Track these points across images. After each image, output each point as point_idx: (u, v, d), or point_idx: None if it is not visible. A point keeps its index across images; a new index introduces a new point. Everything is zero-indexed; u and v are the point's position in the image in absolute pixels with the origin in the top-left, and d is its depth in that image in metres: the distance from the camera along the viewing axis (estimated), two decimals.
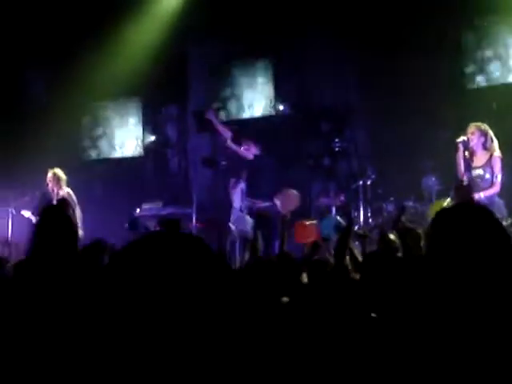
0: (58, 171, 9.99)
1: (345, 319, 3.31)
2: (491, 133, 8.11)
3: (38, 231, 3.73)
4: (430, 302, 2.16)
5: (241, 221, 9.75)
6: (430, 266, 2.19)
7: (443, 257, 2.18)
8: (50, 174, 9.99)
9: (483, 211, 2.27)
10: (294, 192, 9.67)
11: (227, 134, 10.28)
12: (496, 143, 8.08)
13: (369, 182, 10.17)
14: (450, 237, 2.20)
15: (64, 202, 9.00)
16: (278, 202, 9.40)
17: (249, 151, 10.19)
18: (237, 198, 10.77)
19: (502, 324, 2.06)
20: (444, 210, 2.38)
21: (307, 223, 9.87)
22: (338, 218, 9.58)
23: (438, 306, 2.13)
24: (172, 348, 1.44)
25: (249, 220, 9.75)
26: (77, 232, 3.81)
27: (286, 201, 9.43)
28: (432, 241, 2.27)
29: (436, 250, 2.23)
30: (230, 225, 9.68)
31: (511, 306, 2.08)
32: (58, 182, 9.93)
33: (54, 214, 3.87)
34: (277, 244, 8.71)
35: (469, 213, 2.26)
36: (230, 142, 10.29)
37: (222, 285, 1.53)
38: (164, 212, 11.18)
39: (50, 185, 9.98)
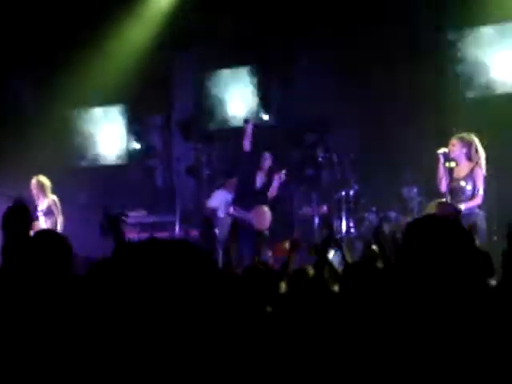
0: (43, 178, 9.95)
1: (323, 329, 3.34)
2: (477, 144, 8.01)
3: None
4: (401, 309, 2.22)
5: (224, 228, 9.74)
6: (401, 275, 2.27)
7: (413, 266, 2.26)
8: (34, 181, 9.94)
9: (450, 223, 2.35)
10: (266, 209, 9.57)
11: (247, 145, 10.15)
12: (482, 155, 7.99)
13: (351, 193, 10.24)
14: (419, 247, 2.28)
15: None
16: (253, 220, 9.37)
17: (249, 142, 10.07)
18: (220, 208, 10.81)
19: (468, 325, 2.13)
20: (414, 222, 2.47)
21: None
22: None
23: (407, 313, 2.18)
24: (162, 349, 1.45)
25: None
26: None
27: (259, 218, 9.42)
28: (403, 251, 2.37)
29: (406, 259, 2.31)
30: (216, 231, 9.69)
31: (475, 309, 2.16)
32: (42, 189, 9.88)
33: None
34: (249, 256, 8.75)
35: (437, 224, 2.34)
36: (250, 128, 10.07)
37: (213, 288, 1.55)
38: (148, 220, 11.21)
39: (34, 192, 9.94)
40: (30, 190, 9.98)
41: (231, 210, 9.77)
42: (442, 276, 2.19)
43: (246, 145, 10.02)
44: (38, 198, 9.93)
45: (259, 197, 9.71)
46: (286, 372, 3.01)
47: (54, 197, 9.91)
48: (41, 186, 9.88)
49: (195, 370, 1.46)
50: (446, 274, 2.19)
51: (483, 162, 7.99)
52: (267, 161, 9.93)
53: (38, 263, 3.60)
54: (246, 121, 10.19)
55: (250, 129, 10.08)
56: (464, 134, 8.17)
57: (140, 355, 1.45)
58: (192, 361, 1.46)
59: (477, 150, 8.00)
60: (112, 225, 4.86)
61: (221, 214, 10.73)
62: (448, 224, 2.33)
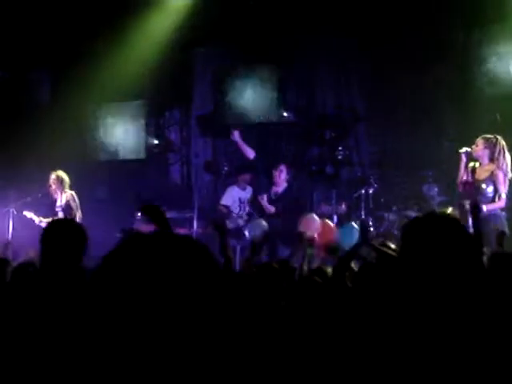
0: (61, 173, 9.97)
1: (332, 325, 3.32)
2: (502, 146, 7.86)
3: (47, 239, 3.79)
4: (401, 306, 2.24)
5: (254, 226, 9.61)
6: (401, 271, 2.29)
7: (413, 263, 2.27)
8: (53, 176, 9.97)
9: (451, 221, 2.36)
10: (314, 217, 9.38)
11: (251, 154, 10.22)
12: (509, 158, 7.83)
13: (371, 191, 10.15)
14: (419, 245, 2.29)
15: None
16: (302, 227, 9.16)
17: (250, 153, 10.15)
18: (234, 205, 10.78)
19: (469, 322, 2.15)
20: (414, 220, 2.48)
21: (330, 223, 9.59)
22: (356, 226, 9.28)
23: (406, 311, 2.20)
24: (166, 349, 1.43)
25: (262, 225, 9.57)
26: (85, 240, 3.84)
27: (309, 225, 9.25)
28: (403, 248, 2.38)
29: (406, 256, 2.32)
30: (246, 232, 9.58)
31: (476, 306, 2.19)
32: (61, 185, 9.90)
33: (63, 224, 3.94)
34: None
35: (437, 222, 2.35)
36: (237, 135, 10.21)
37: (219, 288, 1.51)
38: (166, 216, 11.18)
39: (52, 187, 9.95)
40: (49, 185, 10.01)
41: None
42: (441, 274, 2.21)
43: (248, 152, 10.01)
44: (56, 193, 9.95)
45: (276, 204, 9.69)
46: (296, 367, 3.00)
47: (73, 192, 9.93)
48: (60, 181, 9.91)
49: (200, 368, 1.44)
50: (444, 272, 2.21)
51: (508, 165, 7.82)
52: (283, 173, 9.85)
53: (53, 251, 3.73)
54: (231, 130, 10.20)
55: (237, 137, 10.08)
56: (490, 135, 8.02)
57: (146, 349, 1.43)
58: (200, 357, 1.45)
59: (500, 152, 7.84)
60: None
61: (235, 210, 10.71)
62: (451, 222, 2.33)
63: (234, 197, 10.84)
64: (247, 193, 10.75)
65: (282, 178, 9.89)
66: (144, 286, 1.44)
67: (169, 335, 1.42)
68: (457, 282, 2.20)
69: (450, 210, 8.19)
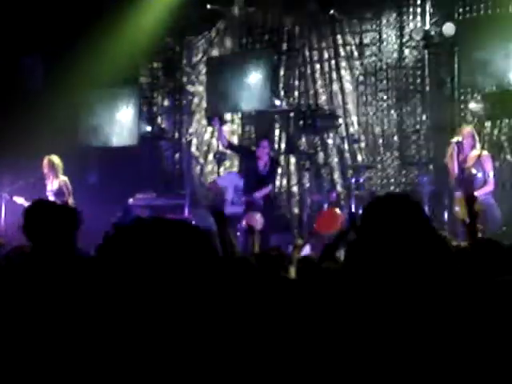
0: (55, 158, 9.89)
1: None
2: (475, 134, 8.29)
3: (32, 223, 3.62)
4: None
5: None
6: (359, 254, 2.26)
7: (371, 246, 2.22)
8: (45, 161, 9.89)
9: (409, 202, 2.32)
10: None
11: (224, 141, 10.24)
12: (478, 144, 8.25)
13: (361, 180, 10.20)
14: (377, 226, 2.25)
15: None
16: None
17: (224, 138, 10.19)
18: (228, 190, 10.83)
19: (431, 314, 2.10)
20: (374, 201, 2.43)
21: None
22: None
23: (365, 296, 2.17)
24: (168, 340, 1.44)
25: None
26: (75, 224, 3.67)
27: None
28: (361, 229, 2.35)
29: (364, 238, 2.29)
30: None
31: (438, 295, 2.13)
32: (54, 169, 9.83)
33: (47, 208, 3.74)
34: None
35: (395, 203, 2.31)
36: (216, 121, 10.25)
37: (216, 273, 1.52)
38: (157, 202, 11.21)
39: (45, 171, 9.89)
40: (41, 170, 9.97)
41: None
42: (401, 259, 2.16)
43: (223, 140, 10.07)
44: (49, 177, 9.89)
45: (262, 185, 9.72)
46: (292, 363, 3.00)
47: (65, 178, 9.87)
48: (52, 165, 9.83)
49: (199, 355, 1.46)
50: (404, 255, 2.17)
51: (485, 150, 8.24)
52: (266, 149, 9.87)
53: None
54: (211, 120, 10.27)
55: (216, 123, 10.11)
56: (470, 125, 8.65)
57: (147, 342, 1.44)
58: (199, 343, 1.46)
59: (478, 140, 8.25)
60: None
61: (228, 196, 10.75)
62: (401, 201, 2.31)
63: (232, 181, 10.89)
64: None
65: (265, 152, 9.87)
66: (143, 272, 1.45)
67: (168, 321, 1.44)
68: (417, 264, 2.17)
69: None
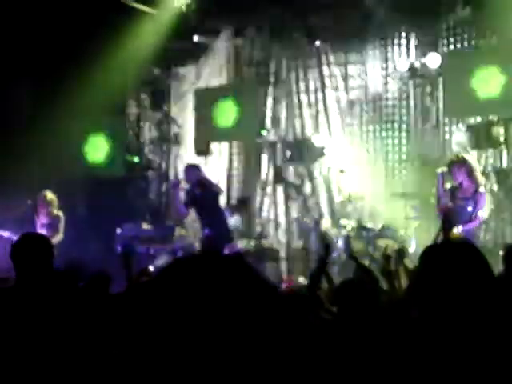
0: (49, 194, 9.88)
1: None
2: (471, 161, 8.04)
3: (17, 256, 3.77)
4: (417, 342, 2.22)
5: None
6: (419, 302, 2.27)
7: (431, 294, 2.25)
8: (41, 196, 9.82)
9: (470, 249, 2.33)
10: None
11: (183, 210, 9.61)
12: (482, 179, 8.02)
13: (348, 210, 10.26)
14: (438, 273, 2.26)
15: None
16: None
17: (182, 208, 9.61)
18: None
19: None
20: (432, 247, 2.46)
21: None
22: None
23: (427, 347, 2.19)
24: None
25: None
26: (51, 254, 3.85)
27: None
28: (420, 276, 2.36)
29: (423, 286, 2.30)
30: None
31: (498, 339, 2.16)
32: (51, 205, 9.82)
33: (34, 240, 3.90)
34: None
35: (456, 250, 2.33)
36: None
37: (268, 311, 1.49)
38: (145, 233, 11.20)
39: (41, 205, 9.81)
40: (28, 203, 9.95)
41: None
42: (464, 307, 2.19)
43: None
44: (41, 212, 9.84)
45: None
46: None
47: (61, 213, 9.86)
48: (50, 201, 9.82)
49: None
50: (466, 305, 2.19)
51: (482, 184, 7.96)
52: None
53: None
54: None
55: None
56: (458, 154, 8.38)
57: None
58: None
59: (473, 169, 7.93)
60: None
61: None
62: (470, 251, 2.31)
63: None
64: (235, 218, 10.77)
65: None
66: (191, 308, 1.44)
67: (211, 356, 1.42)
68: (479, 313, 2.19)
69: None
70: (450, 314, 2.20)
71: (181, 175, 11.38)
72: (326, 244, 5.71)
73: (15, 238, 9.45)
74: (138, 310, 1.48)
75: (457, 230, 7.60)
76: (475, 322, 2.17)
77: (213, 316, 1.43)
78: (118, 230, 11.11)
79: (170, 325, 1.44)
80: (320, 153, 11.20)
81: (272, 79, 12.12)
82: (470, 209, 7.81)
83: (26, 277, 3.70)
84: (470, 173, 7.89)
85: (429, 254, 2.37)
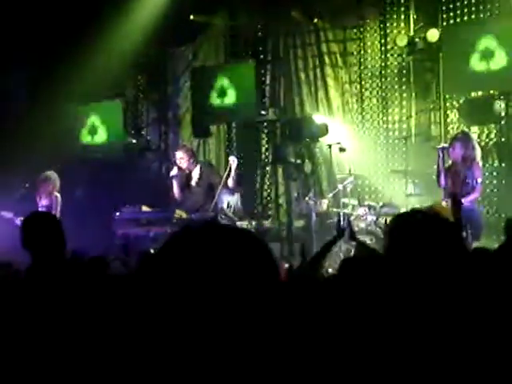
0: (52, 174, 9.95)
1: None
2: (473, 140, 8.19)
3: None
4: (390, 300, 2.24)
5: None
6: (389, 265, 2.33)
7: (400, 258, 2.32)
8: (42, 177, 9.89)
9: (438, 219, 2.40)
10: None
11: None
12: (479, 151, 8.15)
13: (349, 189, 10.16)
14: (406, 240, 2.34)
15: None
16: None
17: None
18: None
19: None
20: (400, 215, 2.58)
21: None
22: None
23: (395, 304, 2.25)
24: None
25: None
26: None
27: None
28: (390, 243, 2.43)
29: (394, 251, 2.37)
30: None
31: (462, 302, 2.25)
32: (52, 186, 9.89)
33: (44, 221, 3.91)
34: None
35: (424, 219, 2.40)
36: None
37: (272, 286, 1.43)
38: (143, 216, 11.12)
39: (42, 185, 9.87)
40: (35, 183, 9.98)
41: None
42: (430, 269, 2.26)
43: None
44: (42, 193, 9.90)
45: None
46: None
47: (58, 194, 9.91)
48: (51, 181, 9.87)
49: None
50: (433, 268, 2.26)
51: (479, 155, 8.11)
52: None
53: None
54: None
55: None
56: (462, 131, 8.48)
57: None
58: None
59: (474, 147, 8.10)
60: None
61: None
62: (432, 218, 2.40)
63: (226, 200, 10.79)
64: (235, 198, 10.69)
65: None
66: (196, 281, 1.36)
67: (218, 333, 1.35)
68: (446, 273, 2.26)
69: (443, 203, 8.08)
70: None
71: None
72: (343, 229, 5.62)
73: (17, 219, 9.56)
74: (148, 282, 1.39)
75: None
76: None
77: (228, 291, 1.36)
78: (117, 213, 11.03)
79: (182, 299, 1.36)
80: (323, 131, 11.01)
81: (270, 57, 12.03)
82: (468, 181, 7.91)
83: (42, 256, 3.70)
84: (472, 148, 8.01)
85: (397, 221, 2.48)
